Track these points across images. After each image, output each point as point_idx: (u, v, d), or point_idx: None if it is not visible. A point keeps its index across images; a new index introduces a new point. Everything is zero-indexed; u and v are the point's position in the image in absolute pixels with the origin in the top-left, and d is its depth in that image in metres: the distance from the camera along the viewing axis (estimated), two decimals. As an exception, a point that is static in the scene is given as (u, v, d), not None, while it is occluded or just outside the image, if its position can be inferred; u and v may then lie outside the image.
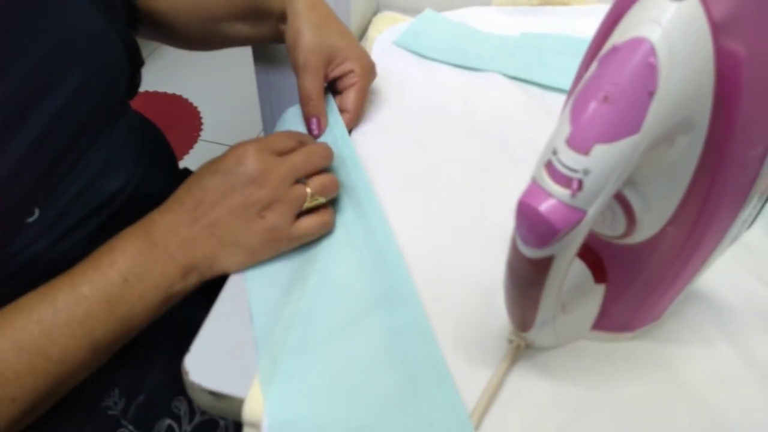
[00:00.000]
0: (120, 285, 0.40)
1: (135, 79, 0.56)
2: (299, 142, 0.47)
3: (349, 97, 0.56)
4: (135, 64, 0.54)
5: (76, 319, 0.39)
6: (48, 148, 0.42)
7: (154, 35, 0.64)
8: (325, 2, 0.57)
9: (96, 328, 0.40)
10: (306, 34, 0.54)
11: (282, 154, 0.45)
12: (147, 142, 0.54)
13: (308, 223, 0.45)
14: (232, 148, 0.45)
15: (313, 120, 0.54)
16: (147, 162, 0.52)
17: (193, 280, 0.43)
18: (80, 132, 0.45)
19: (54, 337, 0.38)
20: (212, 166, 0.44)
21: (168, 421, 0.49)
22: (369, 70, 0.57)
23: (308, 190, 0.44)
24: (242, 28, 0.62)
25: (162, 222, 0.43)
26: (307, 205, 0.45)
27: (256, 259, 0.45)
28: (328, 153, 0.47)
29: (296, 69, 0.55)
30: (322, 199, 0.45)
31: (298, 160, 0.45)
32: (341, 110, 0.56)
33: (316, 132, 0.55)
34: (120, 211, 0.48)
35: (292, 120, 0.57)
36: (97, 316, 0.39)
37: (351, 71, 0.56)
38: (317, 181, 0.45)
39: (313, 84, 0.54)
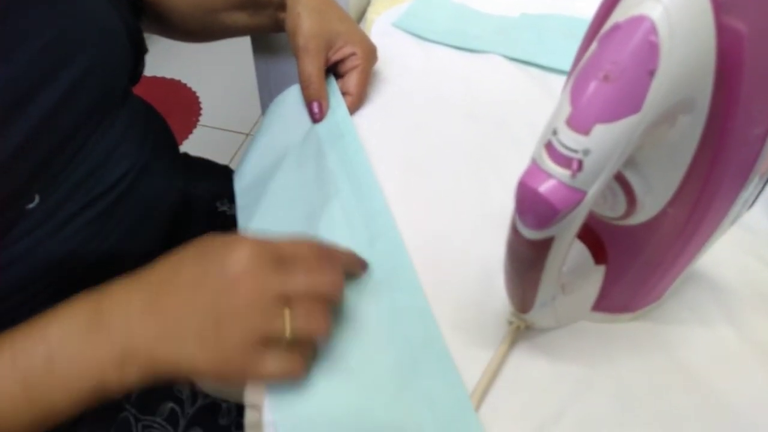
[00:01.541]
0: (42, 364, 0.33)
1: (139, 66, 0.56)
2: (317, 258, 0.37)
3: (352, 80, 0.56)
4: (139, 51, 0.54)
5: None
6: (49, 134, 0.41)
7: (154, 27, 0.64)
8: None
9: (5, 413, 0.33)
10: (306, 18, 0.53)
11: (288, 264, 0.36)
12: (150, 129, 0.54)
13: (271, 366, 0.34)
14: (231, 237, 0.37)
15: (314, 104, 0.54)
16: (149, 150, 0.52)
17: (131, 374, 0.34)
18: (83, 119, 0.44)
19: None
20: (199, 247, 0.37)
21: (170, 405, 0.49)
22: (370, 53, 0.57)
23: (287, 322, 0.34)
24: (241, 18, 0.61)
25: (116, 294, 0.36)
26: (276, 336, 0.34)
27: (199, 374, 0.35)
28: (337, 286, 0.37)
29: (296, 53, 0.54)
30: (288, 338, 0.34)
31: (297, 283, 0.35)
32: (343, 93, 0.56)
33: (317, 116, 0.54)
34: (122, 198, 0.48)
35: (292, 102, 0.57)
36: (11, 398, 0.33)
37: (352, 54, 0.55)
38: (303, 314, 0.35)
39: (314, 67, 0.53)
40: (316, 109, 0.54)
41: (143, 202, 0.44)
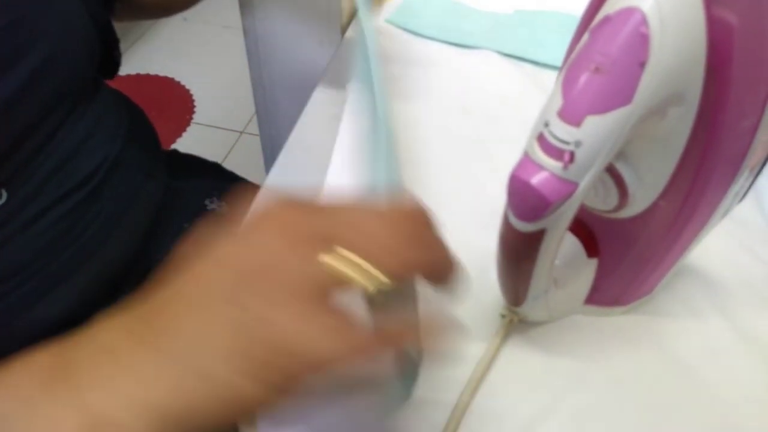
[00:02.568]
0: None
1: (112, 57, 0.54)
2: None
3: None
4: (108, 40, 0.52)
5: None
6: (10, 124, 0.40)
7: (127, 12, 0.61)
8: None
9: None
10: None
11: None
12: (123, 123, 0.52)
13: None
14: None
15: None
16: (123, 139, 0.50)
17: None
18: (46, 110, 0.43)
19: None
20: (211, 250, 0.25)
21: None
22: None
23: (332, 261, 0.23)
24: None
25: (86, 337, 0.25)
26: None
27: (225, 396, 0.22)
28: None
29: None
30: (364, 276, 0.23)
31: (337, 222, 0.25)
32: None
33: None
34: (96, 192, 0.47)
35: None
36: None
37: None
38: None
39: None
40: None
41: (119, 197, 0.41)
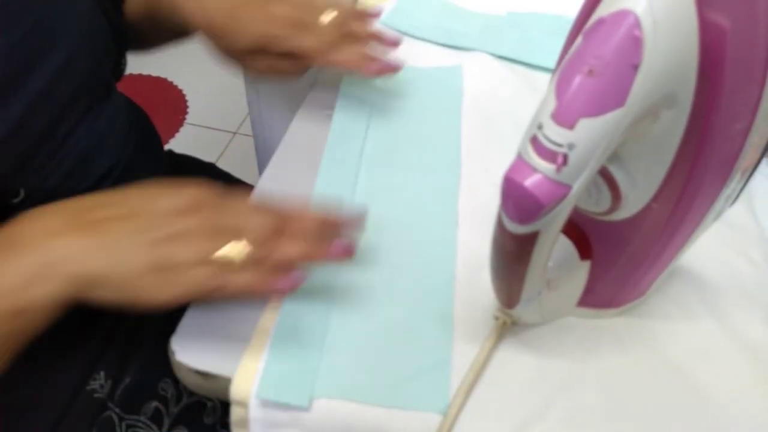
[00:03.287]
0: None
1: (121, 62, 0.55)
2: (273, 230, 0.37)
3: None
4: (120, 45, 0.53)
5: None
6: (32, 125, 0.41)
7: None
8: None
9: None
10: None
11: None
12: (133, 124, 0.53)
13: (199, 271, 0.35)
14: (183, 182, 0.38)
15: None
16: (134, 145, 0.51)
17: (48, 288, 0.33)
18: (65, 112, 0.44)
19: None
20: (153, 182, 0.38)
21: (155, 404, 0.49)
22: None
23: (236, 245, 0.35)
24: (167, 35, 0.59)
25: (39, 217, 0.35)
26: (221, 255, 0.35)
27: (128, 287, 0.35)
28: (299, 216, 0.38)
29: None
30: (239, 255, 0.35)
31: (243, 212, 0.38)
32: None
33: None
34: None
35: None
36: None
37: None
38: (253, 237, 0.36)
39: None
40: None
41: None
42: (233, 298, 0.38)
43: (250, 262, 0.36)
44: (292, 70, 0.52)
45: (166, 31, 0.58)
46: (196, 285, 0.35)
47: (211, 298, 0.38)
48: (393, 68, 0.51)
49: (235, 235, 0.36)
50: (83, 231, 0.35)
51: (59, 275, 0.34)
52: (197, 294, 0.35)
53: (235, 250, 0.35)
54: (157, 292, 0.35)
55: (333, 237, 0.39)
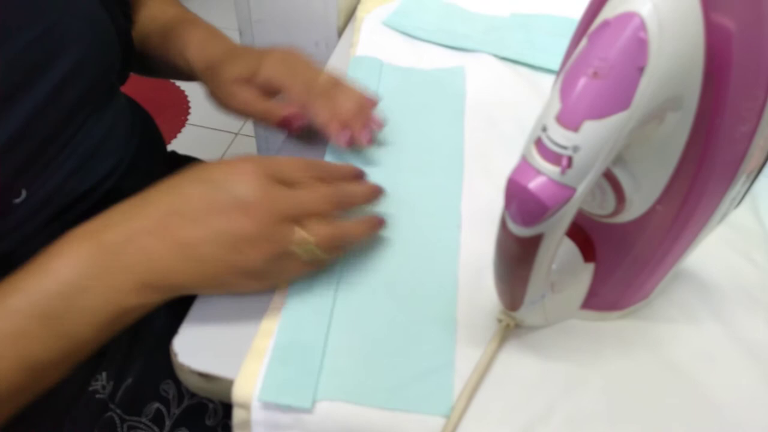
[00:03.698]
0: (58, 298, 0.35)
1: (127, 66, 0.55)
2: (316, 178, 0.40)
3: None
4: (127, 51, 0.53)
5: (4, 336, 0.34)
6: (38, 128, 0.41)
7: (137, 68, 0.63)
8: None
9: (31, 347, 0.34)
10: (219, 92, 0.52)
11: (290, 184, 0.39)
12: (136, 125, 0.53)
13: (291, 267, 0.39)
14: (231, 161, 0.39)
15: (289, 118, 0.50)
16: (136, 145, 0.52)
17: (151, 297, 0.37)
18: (71, 115, 0.44)
19: None
20: (201, 173, 0.39)
21: (156, 405, 0.48)
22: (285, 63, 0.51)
23: (305, 236, 0.37)
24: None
25: (122, 225, 0.37)
26: (299, 253, 0.38)
27: (225, 289, 0.40)
28: (346, 196, 0.40)
29: (240, 111, 0.52)
30: (317, 252, 0.38)
31: (305, 198, 0.38)
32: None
33: (298, 124, 0.50)
34: (109, 194, 0.47)
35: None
36: (32, 333, 0.34)
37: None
38: (323, 231, 0.38)
39: (260, 103, 0.50)
40: (294, 120, 0.50)
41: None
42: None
43: (322, 248, 0.38)
44: (269, 113, 0.50)
45: (173, 70, 0.58)
46: (294, 276, 0.40)
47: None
48: (366, 139, 0.49)
49: (303, 216, 0.38)
50: (173, 250, 0.37)
51: (158, 289, 0.37)
52: (303, 274, 0.40)
53: (307, 245, 0.38)
54: (254, 288, 0.40)
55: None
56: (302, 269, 0.40)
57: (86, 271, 0.35)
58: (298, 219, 0.38)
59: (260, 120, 0.51)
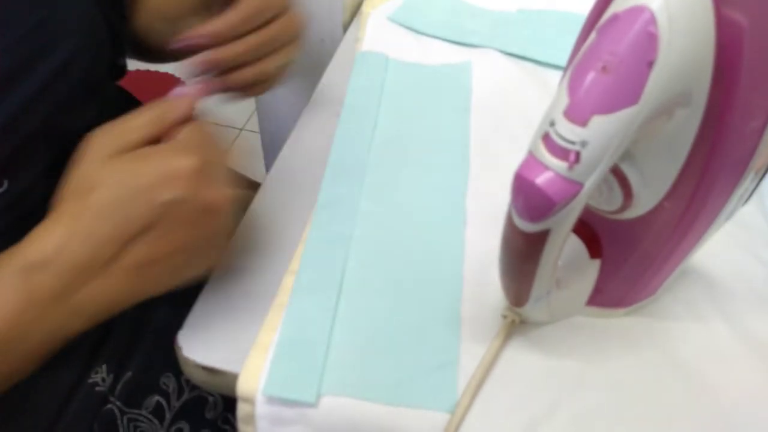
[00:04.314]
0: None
1: (120, 61, 0.54)
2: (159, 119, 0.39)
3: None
4: (119, 45, 0.53)
5: None
6: (26, 123, 0.41)
7: (138, 54, 0.61)
8: None
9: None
10: None
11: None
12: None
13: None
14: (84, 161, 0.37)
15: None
16: None
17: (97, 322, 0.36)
18: (59, 109, 0.44)
19: None
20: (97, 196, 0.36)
21: (156, 398, 0.48)
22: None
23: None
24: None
25: (56, 261, 0.34)
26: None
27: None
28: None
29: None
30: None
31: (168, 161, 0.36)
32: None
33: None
34: None
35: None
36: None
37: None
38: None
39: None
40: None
41: None
42: None
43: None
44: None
45: None
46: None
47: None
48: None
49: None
50: (128, 280, 0.35)
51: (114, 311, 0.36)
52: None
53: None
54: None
55: None
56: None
57: (23, 320, 0.33)
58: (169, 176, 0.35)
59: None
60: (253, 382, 0.37)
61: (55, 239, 0.35)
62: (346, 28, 0.72)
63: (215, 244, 0.38)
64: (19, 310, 0.33)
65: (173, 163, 0.36)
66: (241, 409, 0.37)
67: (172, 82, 1.83)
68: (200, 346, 0.39)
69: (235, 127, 1.72)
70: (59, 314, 0.34)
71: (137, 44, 0.60)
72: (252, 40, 0.43)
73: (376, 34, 0.66)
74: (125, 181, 0.35)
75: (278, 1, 0.44)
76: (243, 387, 0.37)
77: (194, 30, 0.43)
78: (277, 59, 0.45)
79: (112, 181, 0.35)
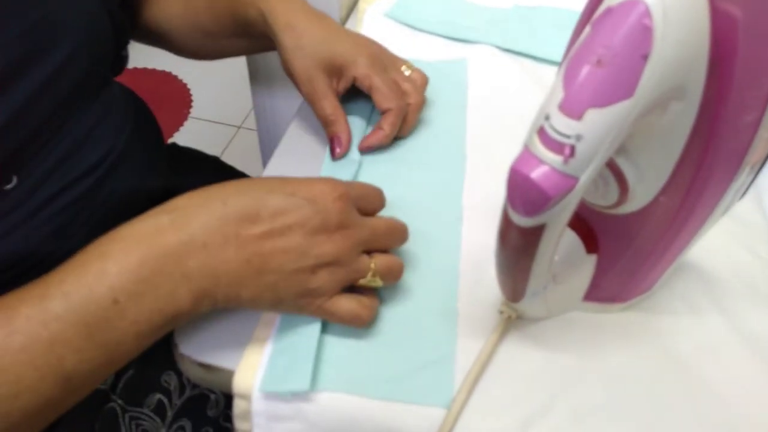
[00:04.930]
0: (108, 305, 0.31)
1: (121, 56, 0.55)
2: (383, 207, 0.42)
3: (387, 119, 0.51)
4: (121, 40, 0.53)
5: (39, 343, 0.30)
6: (30, 118, 0.41)
7: (153, 43, 0.63)
8: (305, 4, 0.53)
9: (66, 357, 0.31)
10: (295, 60, 0.50)
11: (365, 212, 0.39)
12: (129, 115, 0.53)
13: (346, 306, 0.37)
14: (314, 181, 0.37)
15: (335, 139, 0.51)
16: (129, 135, 0.51)
17: (204, 305, 0.35)
18: (63, 104, 0.44)
19: (4, 365, 0.30)
20: (284, 186, 0.36)
21: (158, 396, 0.48)
22: (376, 62, 0.52)
23: (372, 266, 0.38)
24: (239, 43, 0.59)
25: (185, 225, 0.34)
26: (362, 283, 0.38)
27: (272, 309, 0.39)
28: (406, 234, 0.41)
29: (306, 98, 0.52)
30: (379, 282, 0.38)
31: (379, 230, 0.39)
32: (378, 128, 0.52)
33: (338, 151, 0.51)
34: (100, 183, 0.47)
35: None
36: (69, 341, 0.31)
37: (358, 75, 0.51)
38: (385, 262, 0.38)
39: (328, 106, 0.51)
40: (336, 144, 0.51)
41: (124, 187, 0.43)
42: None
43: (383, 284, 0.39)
44: (329, 121, 0.52)
45: (234, 36, 0.58)
46: (341, 317, 0.37)
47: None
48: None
49: (375, 248, 0.39)
50: (242, 258, 0.34)
51: (213, 297, 0.34)
52: (333, 320, 0.38)
53: (375, 282, 0.38)
54: (301, 312, 0.38)
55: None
56: (355, 313, 0.38)
57: (141, 277, 0.32)
58: (370, 249, 0.38)
59: (316, 115, 0.52)
60: (250, 378, 0.37)
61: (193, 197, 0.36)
62: (343, 24, 0.72)
63: (294, 292, 0.36)
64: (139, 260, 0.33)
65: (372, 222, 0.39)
66: (238, 405, 0.37)
67: (171, 80, 1.83)
68: (196, 342, 0.39)
69: (233, 125, 1.72)
70: (172, 274, 0.33)
71: (173, 46, 0.61)
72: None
73: (373, 30, 0.66)
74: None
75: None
76: (239, 383, 0.37)
77: (374, 138, 0.51)
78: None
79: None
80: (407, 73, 0.54)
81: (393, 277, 0.39)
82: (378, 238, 0.38)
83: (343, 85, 0.52)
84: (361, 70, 0.50)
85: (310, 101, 0.52)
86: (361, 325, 0.38)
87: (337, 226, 0.36)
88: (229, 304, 0.35)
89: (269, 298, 0.36)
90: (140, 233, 0.34)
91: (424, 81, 0.54)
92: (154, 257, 0.33)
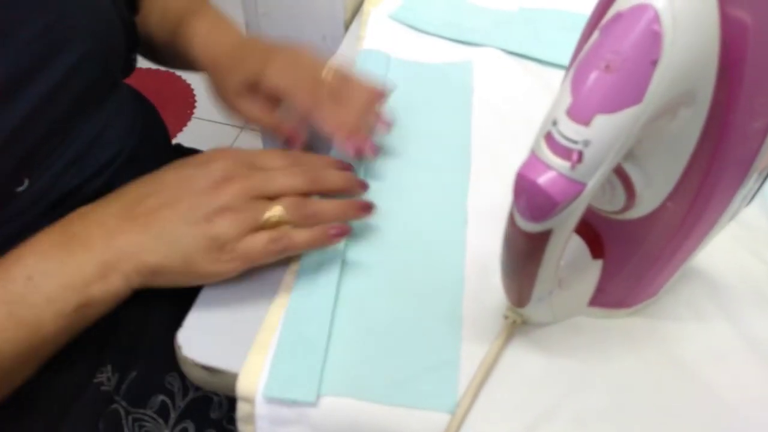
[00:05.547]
0: (22, 283, 0.35)
1: (131, 58, 0.55)
2: (293, 162, 0.42)
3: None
4: (131, 42, 0.53)
5: None
6: (42, 120, 0.41)
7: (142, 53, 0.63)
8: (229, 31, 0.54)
9: None
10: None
11: (270, 167, 0.41)
12: (138, 117, 0.53)
13: (256, 242, 0.38)
14: (208, 151, 0.41)
15: (288, 142, 0.49)
16: (138, 134, 0.51)
17: (115, 282, 0.37)
18: (74, 106, 0.44)
19: None
20: (179, 162, 0.41)
21: (161, 398, 0.48)
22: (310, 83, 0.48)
23: (277, 207, 0.39)
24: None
25: (90, 213, 0.38)
26: (267, 219, 0.39)
27: (190, 269, 0.38)
28: (321, 178, 0.41)
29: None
30: (285, 217, 0.39)
31: (274, 176, 0.40)
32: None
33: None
34: (110, 184, 0.47)
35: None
36: None
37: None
38: (292, 200, 0.39)
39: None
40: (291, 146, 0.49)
41: None
42: (296, 252, 0.41)
43: (294, 220, 0.39)
44: (274, 129, 0.49)
45: (183, 63, 0.59)
46: (258, 252, 0.38)
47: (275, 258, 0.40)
48: (371, 152, 0.46)
49: (272, 197, 0.40)
50: (138, 225, 0.37)
51: (121, 271, 0.37)
52: (262, 260, 0.39)
53: (277, 212, 0.39)
54: (219, 267, 0.38)
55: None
56: (269, 248, 0.38)
57: (49, 255, 0.36)
58: (271, 198, 0.39)
59: (266, 133, 0.52)
60: (253, 381, 0.37)
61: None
62: (347, 26, 0.72)
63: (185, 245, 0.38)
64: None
65: (278, 177, 0.40)
66: (241, 408, 0.37)
67: (175, 81, 1.83)
68: (200, 345, 0.39)
69: (236, 126, 1.72)
70: (75, 251, 0.36)
71: (152, 51, 0.61)
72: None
73: (378, 32, 0.66)
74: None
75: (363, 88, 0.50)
76: (242, 386, 0.37)
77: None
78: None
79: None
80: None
81: (304, 214, 0.39)
82: (278, 184, 0.40)
83: (263, 92, 0.49)
84: (273, 78, 0.48)
85: (251, 124, 0.54)
86: (281, 250, 0.39)
87: (222, 178, 0.39)
88: (145, 279, 0.38)
89: (179, 260, 0.37)
90: (55, 224, 0.38)
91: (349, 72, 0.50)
92: (60, 239, 0.37)
